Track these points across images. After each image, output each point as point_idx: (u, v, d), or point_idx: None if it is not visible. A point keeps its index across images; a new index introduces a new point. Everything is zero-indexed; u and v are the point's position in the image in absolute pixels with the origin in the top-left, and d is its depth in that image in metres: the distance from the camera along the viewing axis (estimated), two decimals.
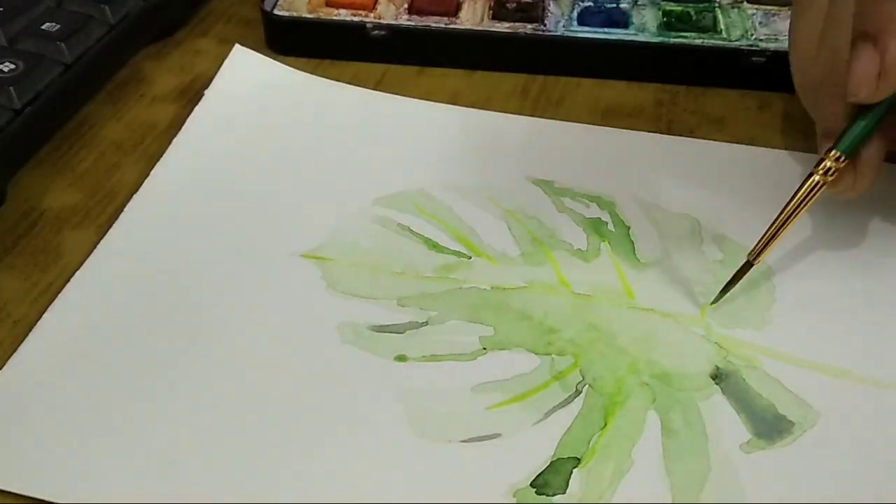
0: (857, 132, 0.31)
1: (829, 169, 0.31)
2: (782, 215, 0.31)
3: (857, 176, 0.32)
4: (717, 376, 0.29)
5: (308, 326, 0.30)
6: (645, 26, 0.42)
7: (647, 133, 0.38)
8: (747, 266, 0.31)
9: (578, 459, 0.26)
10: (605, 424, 0.27)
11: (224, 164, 0.36)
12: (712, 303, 0.31)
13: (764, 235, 0.31)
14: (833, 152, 0.31)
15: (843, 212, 0.35)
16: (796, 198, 0.31)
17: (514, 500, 0.25)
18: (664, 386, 0.28)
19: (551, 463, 0.26)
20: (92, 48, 0.38)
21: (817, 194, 0.31)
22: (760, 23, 0.42)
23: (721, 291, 0.31)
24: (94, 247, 0.32)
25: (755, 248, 0.31)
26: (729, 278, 0.31)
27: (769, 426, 0.27)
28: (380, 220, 0.34)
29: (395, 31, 0.42)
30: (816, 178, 0.31)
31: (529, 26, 0.42)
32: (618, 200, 0.35)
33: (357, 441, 0.27)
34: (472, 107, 0.40)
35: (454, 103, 0.40)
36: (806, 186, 0.31)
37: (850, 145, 0.31)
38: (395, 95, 0.40)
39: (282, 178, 0.36)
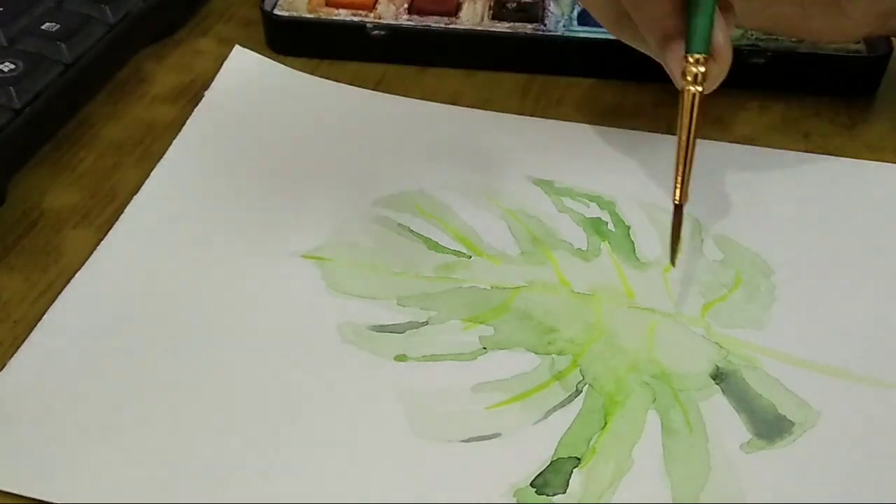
0: (704, 23, 0.29)
1: (697, 75, 0.29)
2: (681, 145, 0.30)
3: (718, 64, 0.30)
4: (717, 376, 0.29)
5: (308, 326, 0.30)
6: None
7: (647, 133, 0.38)
8: (679, 209, 0.30)
9: (578, 459, 0.26)
10: (606, 424, 0.27)
11: (224, 164, 0.36)
12: (672, 262, 0.31)
13: (677, 174, 0.30)
14: (692, 56, 0.29)
15: (842, 211, 0.35)
16: (684, 121, 0.30)
17: (514, 500, 0.25)
18: (664, 386, 0.28)
19: (551, 462, 0.26)
20: (92, 48, 0.38)
21: (697, 105, 0.30)
22: None
23: (672, 250, 0.31)
24: (94, 247, 0.32)
25: (676, 189, 0.30)
26: (672, 237, 0.31)
27: (769, 426, 0.27)
28: (380, 220, 0.34)
29: (395, 31, 0.42)
30: (691, 89, 0.30)
31: (529, 26, 0.42)
32: (618, 200, 0.35)
33: (357, 441, 0.27)
34: (472, 107, 0.40)
35: (454, 103, 0.40)
36: (686, 103, 0.30)
37: (704, 41, 0.29)
38: (395, 95, 0.40)
39: (282, 178, 0.36)
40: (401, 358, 0.29)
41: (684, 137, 0.30)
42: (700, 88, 0.30)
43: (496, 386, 0.28)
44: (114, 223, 0.33)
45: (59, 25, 0.38)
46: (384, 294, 0.31)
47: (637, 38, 0.33)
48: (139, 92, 0.40)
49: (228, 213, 0.34)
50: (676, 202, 0.30)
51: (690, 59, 0.30)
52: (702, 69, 0.30)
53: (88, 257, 0.32)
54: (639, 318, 0.31)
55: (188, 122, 0.38)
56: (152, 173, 0.35)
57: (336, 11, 0.42)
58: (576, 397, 0.28)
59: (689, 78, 0.30)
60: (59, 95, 0.37)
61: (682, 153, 0.30)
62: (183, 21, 0.44)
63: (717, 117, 0.39)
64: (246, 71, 0.40)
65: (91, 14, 0.39)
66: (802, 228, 0.34)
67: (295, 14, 0.42)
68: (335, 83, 0.40)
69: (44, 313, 0.30)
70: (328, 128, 0.38)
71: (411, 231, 0.34)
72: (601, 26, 0.42)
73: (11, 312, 0.30)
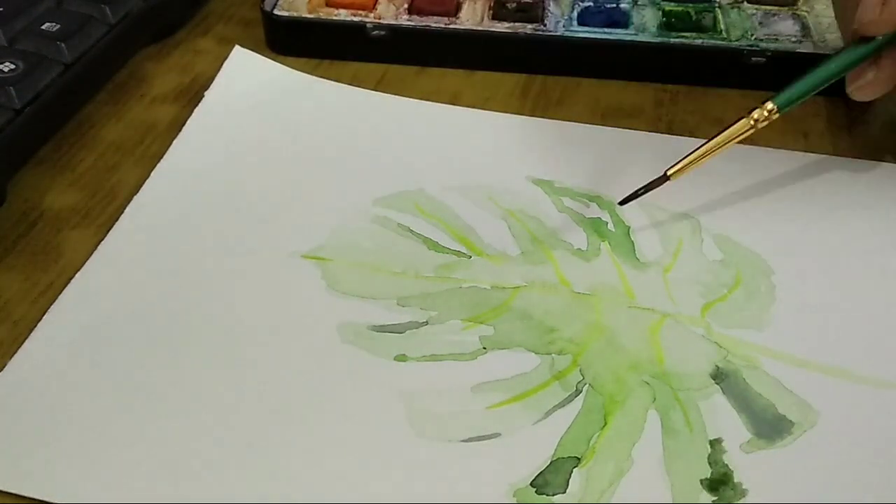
0: (801, 89, 0.32)
1: (759, 118, 0.32)
2: (708, 145, 0.32)
3: (878, 73, 0.33)
4: (717, 376, 0.29)
5: (308, 326, 0.30)
6: (645, 26, 0.42)
7: (647, 133, 0.38)
8: (664, 179, 0.33)
9: (578, 459, 0.26)
10: (605, 424, 0.27)
11: (224, 164, 0.36)
12: (621, 202, 0.33)
13: (687, 156, 0.32)
14: (769, 104, 0.32)
15: (842, 211, 0.35)
16: (724, 135, 0.32)
17: (514, 500, 0.25)
18: (664, 385, 0.28)
19: (551, 462, 0.26)
20: (92, 48, 0.38)
21: (744, 136, 0.33)
22: (760, 23, 0.42)
23: (632, 194, 0.33)
24: (94, 247, 0.32)
25: (676, 164, 0.32)
26: (644, 188, 0.33)
27: (769, 426, 0.27)
28: (380, 220, 0.34)
29: (395, 31, 0.42)
30: (746, 121, 0.32)
31: (529, 26, 0.42)
32: (618, 201, 0.35)
33: (357, 441, 0.27)
34: (472, 107, 0.40)
35: (454, 103, 0.40)
36: (736, 128, 0.32)
37: (786, 101, 0.32)
38: (395, 95, 0.40)
39: (282, 178, 0.36)
40: (401, 358, 0.29)
41: (713, 143, 0.33)
42: (750, 125, 0.32)
43: (496, 386, 0.28)
44: (114, 223, 0.33)
45: (59, 25, 0.38)
46: (384, 294, 0.31)
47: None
48: (139, 92, 0.40)
49: (228, 212, 0.34)
50: (668, 174, 0.32)
51: (766, 105, 0.32)
52: (769, 118, 0.32)
53: (88, 257, 0.32)
54: (639, 317, 0.31)
55: (188, 122, 0.38)
56: (152, 173, 0.35)
57: (336, 11, 0.42)
58: (576, 397, 0.28)
59: (752, 114, 0.32)
60: (59, 95, 0.37)
61: (704, 150, 0.32)
62: (183, 21, 0.44)
63: (717, 117, 0.39)
64: (246, 71, 0.40)
65: (91, 14, 0.39)
66: (802, 228, 0.34)
67: (295, 14, 0.42)
68: (335, 83, 0.40)
69: (44, 313, 0.30)
70: (328, 128, 0.38)
71: (411, 231, 0.34)
72: (601, 26, 0.42)
73: (11, 312, 0.30)
